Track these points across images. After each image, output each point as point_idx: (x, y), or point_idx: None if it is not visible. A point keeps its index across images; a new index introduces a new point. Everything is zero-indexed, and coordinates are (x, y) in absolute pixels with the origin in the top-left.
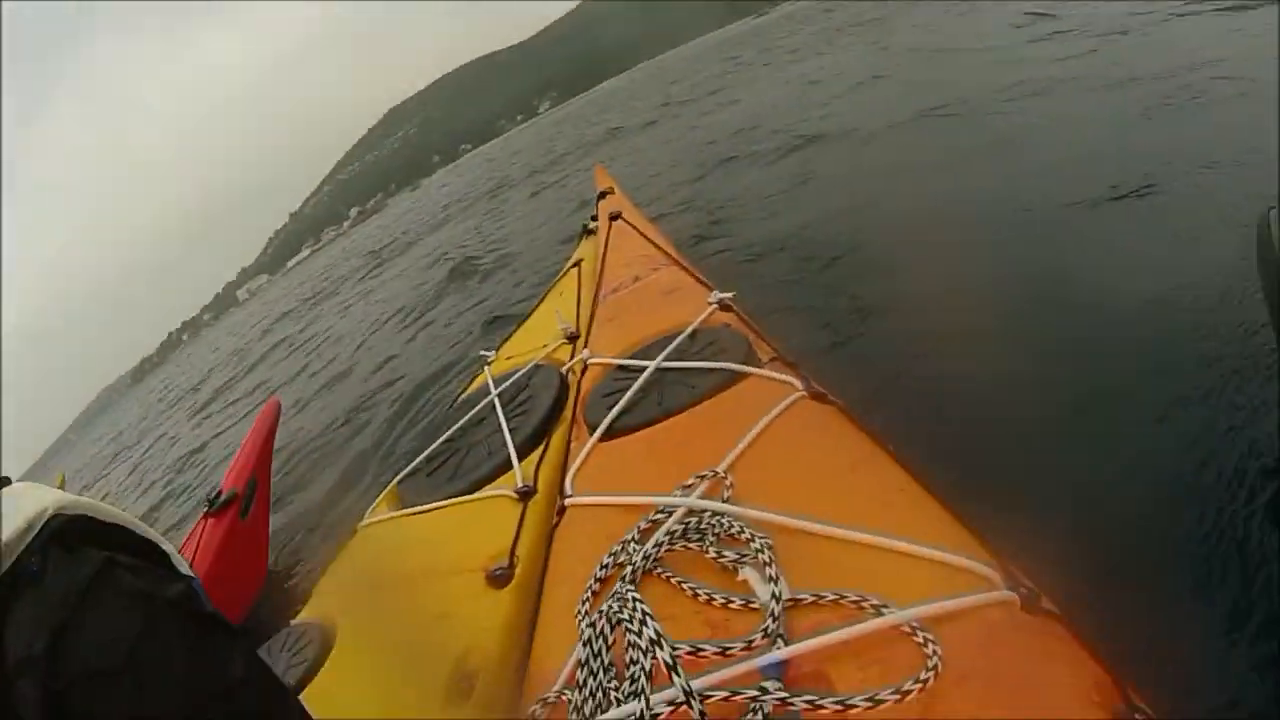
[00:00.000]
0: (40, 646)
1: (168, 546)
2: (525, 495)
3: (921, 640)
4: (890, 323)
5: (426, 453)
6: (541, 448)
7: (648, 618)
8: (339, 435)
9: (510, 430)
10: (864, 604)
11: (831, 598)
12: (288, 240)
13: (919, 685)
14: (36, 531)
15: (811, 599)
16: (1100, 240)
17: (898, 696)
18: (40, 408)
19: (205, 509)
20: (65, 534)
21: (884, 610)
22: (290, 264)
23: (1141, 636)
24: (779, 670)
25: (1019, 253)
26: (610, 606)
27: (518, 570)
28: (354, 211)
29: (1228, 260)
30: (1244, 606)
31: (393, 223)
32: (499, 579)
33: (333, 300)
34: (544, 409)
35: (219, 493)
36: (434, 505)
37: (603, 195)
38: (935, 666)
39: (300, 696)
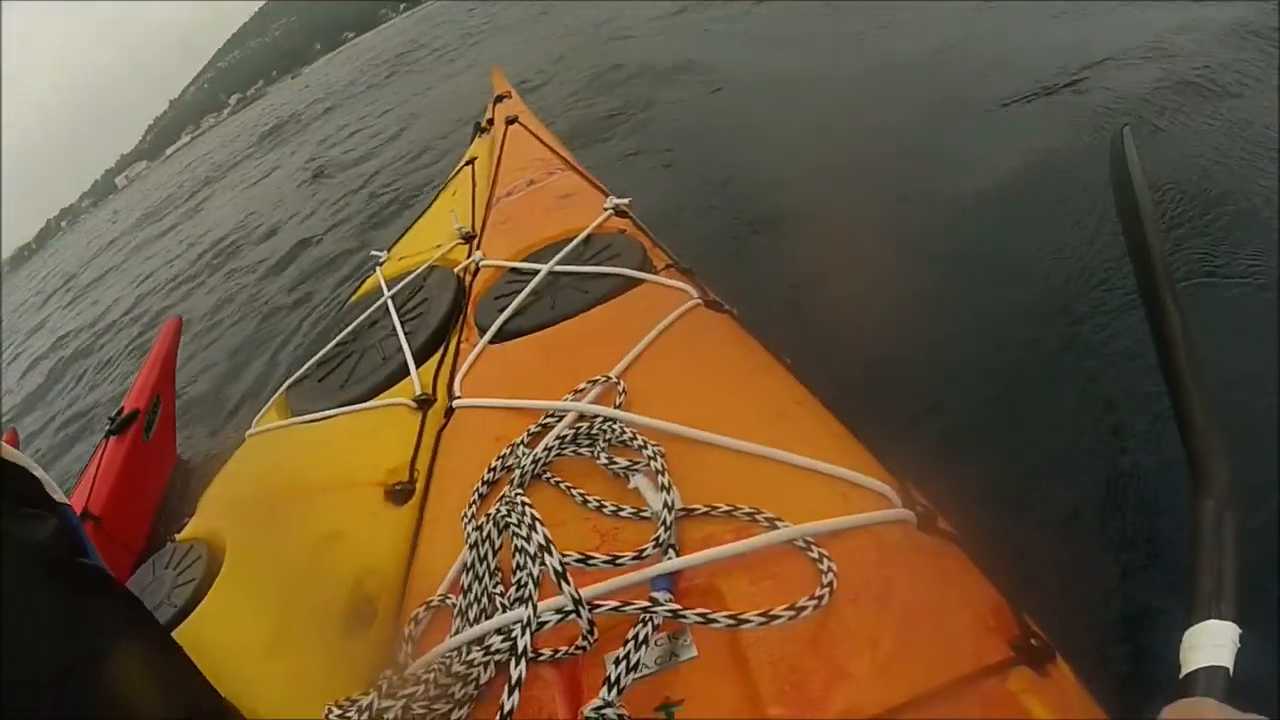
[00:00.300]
0: None
1: (38, 472)
2: (424, 404)
3: (816, 556)
4: (788, 237)
5: (316, 358)
6: (440, 354)
7: (536, 522)
8: (225, 336)
9: (406, 335)
10: (757, 518)
11: (724, 510)
12: (168, 127)
13: (813, 602)
14: None
15: (704, 511)
16: (990, 154)
17: (792, 613)
18: None
19: (107, 428)
20: None
21: (777, 525)
22: (169, 151)
23: (1037, 562)
24: (669, 583)
25: (914, 172)
26: (498, 510)
27: (418, 485)
28: (234, 99)
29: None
30: (1137, 535)
31: (273, 111)
32: (399, 494)
33: (211, 191)
34: (441, 312)
35: (120, 412)
36: (326, 414)
37: (500, 99)
38: (830, 584)
39: (186, 621)
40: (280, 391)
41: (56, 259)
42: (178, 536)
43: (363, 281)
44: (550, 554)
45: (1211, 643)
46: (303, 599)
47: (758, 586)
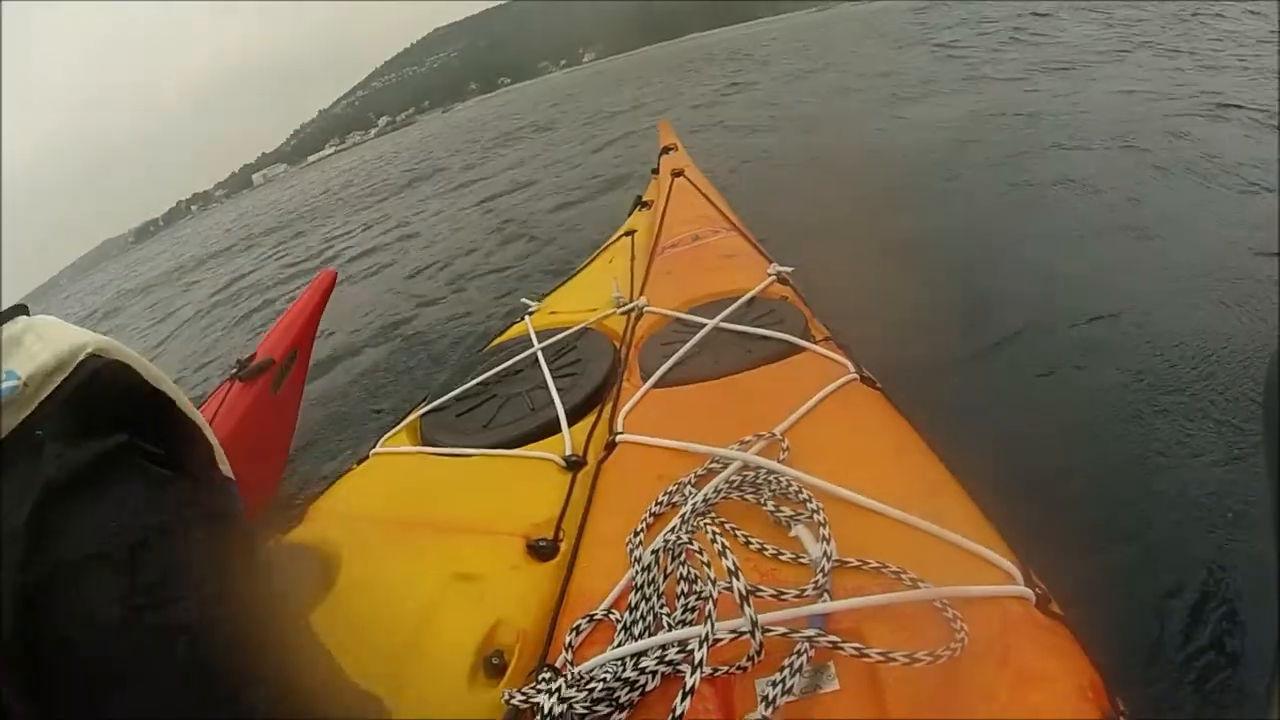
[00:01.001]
0: (21, 518)
1: (212, 437)
2: (574, 466)
3: (950, 617)
4: (935, 324)
5: (456, 393)
6: (593, 418)
7: (727, 550)
8: (347, 343)
9: (559, 391)
10: (902, 577)
11: (874, 566)
12: (313, 135)
13: (948, 652)
14: (70, 372)
15: (857, 564)
16: (1165, 305)
17: (931, 658)
18: (33, 250)
19: (233, 371)
20: (93, 387)
21: (920, 585)
22: (311, 158)
23: (1133, 649)
24: (822, 621)
25: (1075, 297)
26: (679, 538)
27: (563, 546)
28: (383, 120)
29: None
30: (1227, 646)
31: (421, 142)
32: (542, 551)
33: (352, 207)
34: (597, 378)
35: (252, 357)
36: (464, 451)
37: (666, 150)
38: (962, 641)
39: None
40: (413, 416)
41: (185, 243)
42: (285, 536)
43: (507, 325)
44: (739, 578)
45: None
46: (430, 634)
47: (896, 635)
